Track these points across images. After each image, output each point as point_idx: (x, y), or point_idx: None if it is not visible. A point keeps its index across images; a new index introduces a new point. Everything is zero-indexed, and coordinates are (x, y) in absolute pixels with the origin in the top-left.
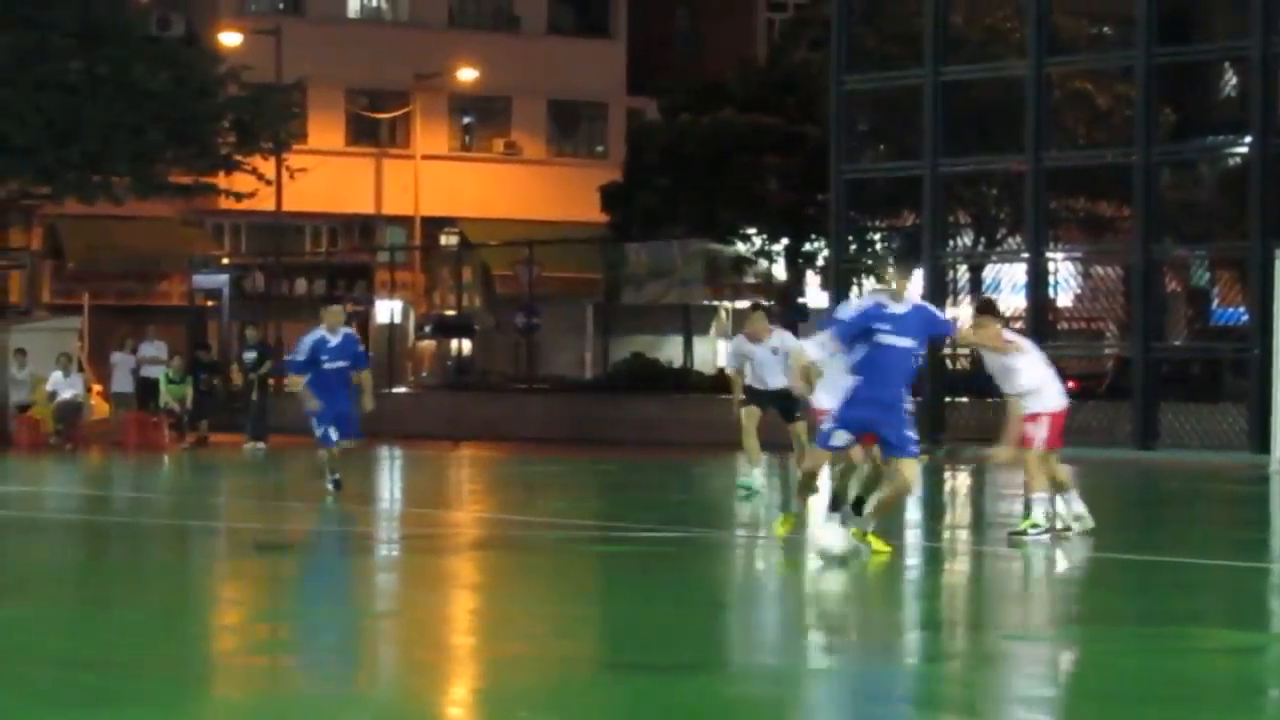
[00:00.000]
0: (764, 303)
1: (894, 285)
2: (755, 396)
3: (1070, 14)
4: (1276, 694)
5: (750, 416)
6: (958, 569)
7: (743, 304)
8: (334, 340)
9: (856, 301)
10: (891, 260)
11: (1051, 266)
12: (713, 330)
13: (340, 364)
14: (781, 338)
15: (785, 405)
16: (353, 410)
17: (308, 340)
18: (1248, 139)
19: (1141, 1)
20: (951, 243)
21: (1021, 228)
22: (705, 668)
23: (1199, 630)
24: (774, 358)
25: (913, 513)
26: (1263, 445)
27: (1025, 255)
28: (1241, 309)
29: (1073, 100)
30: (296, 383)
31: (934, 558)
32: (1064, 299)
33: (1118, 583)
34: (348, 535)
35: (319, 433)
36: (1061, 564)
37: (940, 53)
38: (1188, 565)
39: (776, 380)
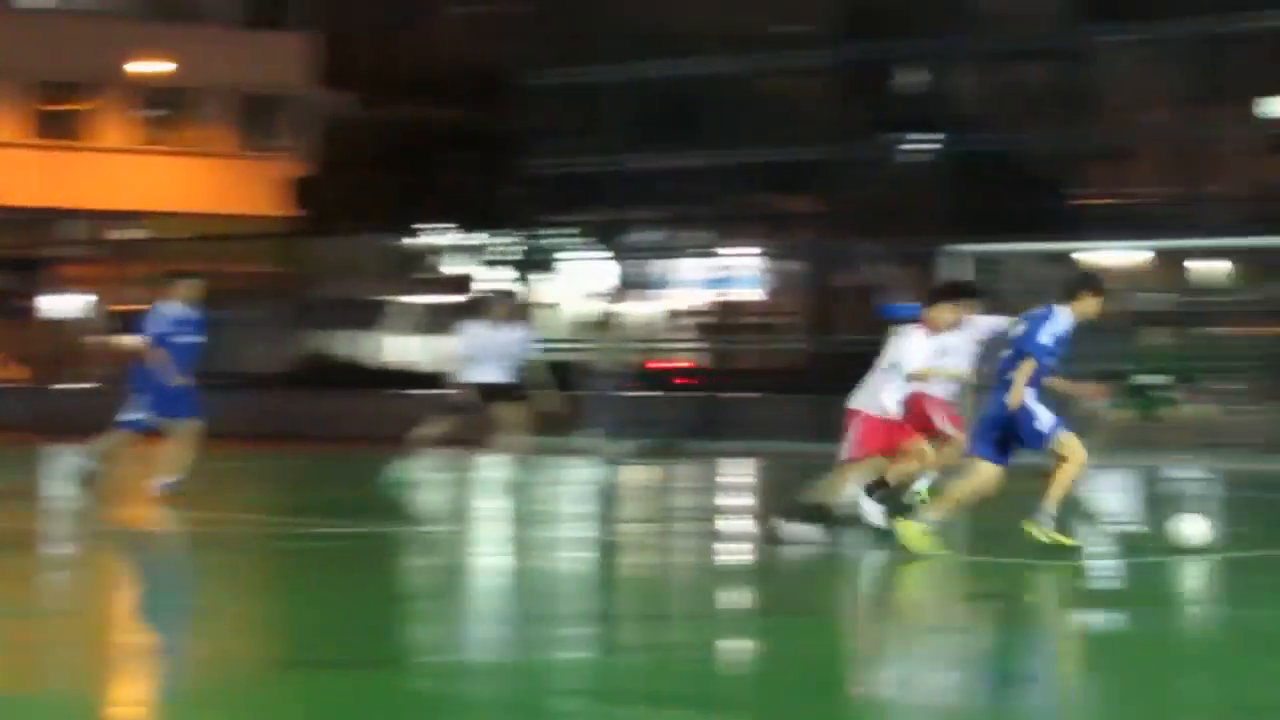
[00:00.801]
0: (507, 289)
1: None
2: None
3: (761, 13)
4: None
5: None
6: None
7: (427, 299)
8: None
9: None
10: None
11: (733, 262)
12: (395, 325)
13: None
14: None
15: (504, 390)
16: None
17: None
18: (935, 137)
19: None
20: (637, 237)
21: (706, 223)
22: (388, 663)
23: None
24: (511, 344)
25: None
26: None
27: (709, 250)
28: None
29: (763, 97)
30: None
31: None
32: (745, 294)
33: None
34: (20, 533)
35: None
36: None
37: (630, 50)
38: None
39: (497, 370)
